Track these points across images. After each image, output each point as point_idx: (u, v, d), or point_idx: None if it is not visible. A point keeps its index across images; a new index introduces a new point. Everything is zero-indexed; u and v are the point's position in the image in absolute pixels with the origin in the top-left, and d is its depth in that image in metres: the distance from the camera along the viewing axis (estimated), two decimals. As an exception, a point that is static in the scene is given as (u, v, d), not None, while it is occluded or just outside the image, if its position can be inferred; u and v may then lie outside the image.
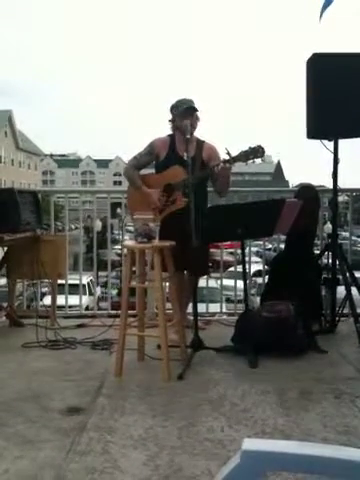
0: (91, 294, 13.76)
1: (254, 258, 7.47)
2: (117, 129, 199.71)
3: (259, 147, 3.34)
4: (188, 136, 3.41)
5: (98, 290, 15.84)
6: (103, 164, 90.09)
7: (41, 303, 4.41)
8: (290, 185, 55.39)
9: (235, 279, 4.59)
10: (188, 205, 3.23)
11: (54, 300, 4.24)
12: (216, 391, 2.79)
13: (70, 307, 4.70)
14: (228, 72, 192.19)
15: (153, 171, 3.81)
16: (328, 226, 4.69)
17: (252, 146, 3.34)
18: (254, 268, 5.82)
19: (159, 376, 2.99)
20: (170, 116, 3.70)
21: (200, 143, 3.67)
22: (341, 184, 4.02)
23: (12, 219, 3.80)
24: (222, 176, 3.54)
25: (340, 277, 3.92)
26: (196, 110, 3.60)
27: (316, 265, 4.08)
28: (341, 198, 4.87)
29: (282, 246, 4.42)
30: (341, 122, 3.72)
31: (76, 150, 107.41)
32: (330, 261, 3.97)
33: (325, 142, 3.87)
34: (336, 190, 3.97)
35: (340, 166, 3.90)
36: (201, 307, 4.03)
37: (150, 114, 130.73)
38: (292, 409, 2.55)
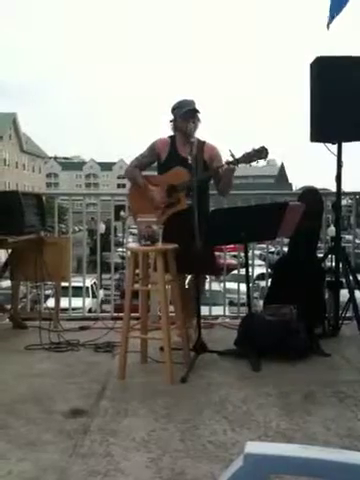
0: (94, 297, 13.76)
1: (257, 261, 7.46)
2: (121, 132, 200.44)
3: (263, 148, 3.34)
4: (192, 139, 3.42)
5: (101, 293, 15.82)
6: (107, 167, 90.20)
7: (44, 305, 4.42)
8: (293, 188, 55.25)
9: (238, 282, 4.58)
10: (191, 206, 3.23)
11: (57, 302, 4.25)
12: (219, 394, 2.79)
13: (73, 309, 4.71)
14: (230, 74, 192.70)
15: (155, 173, 3.81)
16: (331, 229, 4.69)
17: (256, 148, 3.34)
18: (257, 271, 5.81)
19: (162, 379, 2.99)
20: (171, 117, 3.70)
21: (201, 144, 3.66)
22: (345, 187, 4.03)
23: (16, 221, 3.82)
24: (225, 177, 3.55)
25: (343, 280, 3.92)
26: (197, 112, 3.60)
27: (319, 268, 4.07)
28: (345, 201, 4.87)
29: (285, 249, 4.42)
30: (345, 125, 3.72)
31: (80, 153, 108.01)
32: (333, 264, 3.97)
33: (329, 145, 3.87)
34: (340, 193, 3.97)
35: (344, 169, 3.90)
36: (204, 310, 4.02)
37: (152, 116, 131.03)
38: (295, 412, 2.54)
